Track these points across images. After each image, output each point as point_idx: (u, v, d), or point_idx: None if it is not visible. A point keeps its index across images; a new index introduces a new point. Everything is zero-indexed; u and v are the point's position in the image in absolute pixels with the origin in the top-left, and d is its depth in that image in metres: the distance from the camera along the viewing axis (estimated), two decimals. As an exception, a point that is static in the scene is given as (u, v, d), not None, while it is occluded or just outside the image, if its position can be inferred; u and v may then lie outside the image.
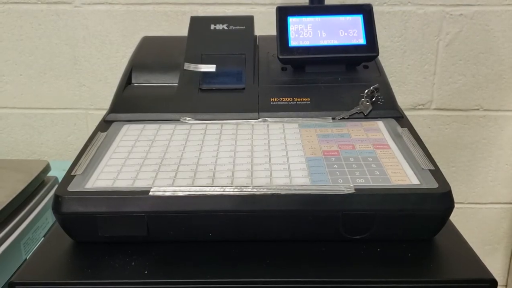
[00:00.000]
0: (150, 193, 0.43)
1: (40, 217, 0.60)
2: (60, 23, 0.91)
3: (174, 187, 0.43)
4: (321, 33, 0.63)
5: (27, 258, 0.57)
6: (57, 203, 0.43)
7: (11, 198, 0.55)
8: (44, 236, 0.61)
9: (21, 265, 0.55)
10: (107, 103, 0.96)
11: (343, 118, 0.57)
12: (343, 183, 0.44)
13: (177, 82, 0.63)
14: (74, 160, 0.48)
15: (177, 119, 0.57)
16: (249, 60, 0.64)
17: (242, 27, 0.68)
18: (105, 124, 0.56)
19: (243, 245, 0.44)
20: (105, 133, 0.54)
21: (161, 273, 0.41)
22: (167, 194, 0.43)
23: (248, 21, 0.69)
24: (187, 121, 0.57)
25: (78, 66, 0.93)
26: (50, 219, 0.63)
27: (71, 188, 0.43)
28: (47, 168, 0.64)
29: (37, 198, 0.61)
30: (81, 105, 0.95)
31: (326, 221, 0.43)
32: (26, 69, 0.94)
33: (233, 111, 0.58)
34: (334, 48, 0.63)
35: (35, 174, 0.61)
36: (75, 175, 0.46)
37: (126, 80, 0.63)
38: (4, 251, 0.52)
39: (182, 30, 0.88)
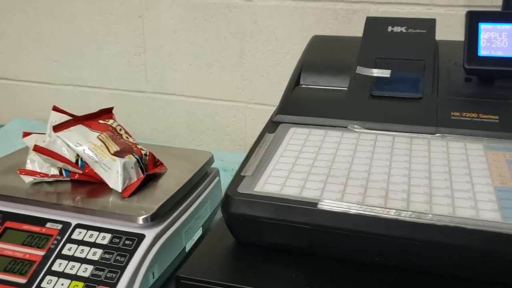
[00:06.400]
0: (318, 205, 0.41)
1: (201, 207, 0.62)
2: (231, 17, 0.94)
3: (343, 203, 0.41)
4: (518, 42, 0.56)
5: (186, 246, 0.59)
6: (226, 202, 0.43)
7: (178, 187, 0.57)
8: (202, 226, 0.63)
9: (180, 252, 0.58)
10: (266, 98, 0.96)
11: (539, 143, 0.49)
12: (543, 225, 0.37)
13: (347, 86, 0.60)
14: (244, 160, 0.48)
15: (345, 126, 0.55)
16: (428, 67, 0.59)
17: (422, 31, 0.62)
18: (272, 125, 0.56)
19: (413, 276, 0.40)
20: (273, 134, 0.53)
21: (324, 293, 0.39)
22: (336, 209, 0.41)
23: (429, 24, 0.63)
24: (355, 129, 0.54)
25: (243, 60, 0.95)
26: (209, 209, 0.65)
27: (241, 189, 0.44)
28: (210, 160, 0.66)
29: (200, 188, 0.63)
30: (242, 98, 0.98)
31: (518, 267, 0.37)
32: (195, 59, 0.99)
33: (407, 122, 0.54)
34: (533, 60, 0.55)
35: (200, 165, 0.63)
36: (245, 175, 0.46)
37: (295, 81, 0.62)
38: (169, 237, 0.54)
39: (351, 29, 0.85)
